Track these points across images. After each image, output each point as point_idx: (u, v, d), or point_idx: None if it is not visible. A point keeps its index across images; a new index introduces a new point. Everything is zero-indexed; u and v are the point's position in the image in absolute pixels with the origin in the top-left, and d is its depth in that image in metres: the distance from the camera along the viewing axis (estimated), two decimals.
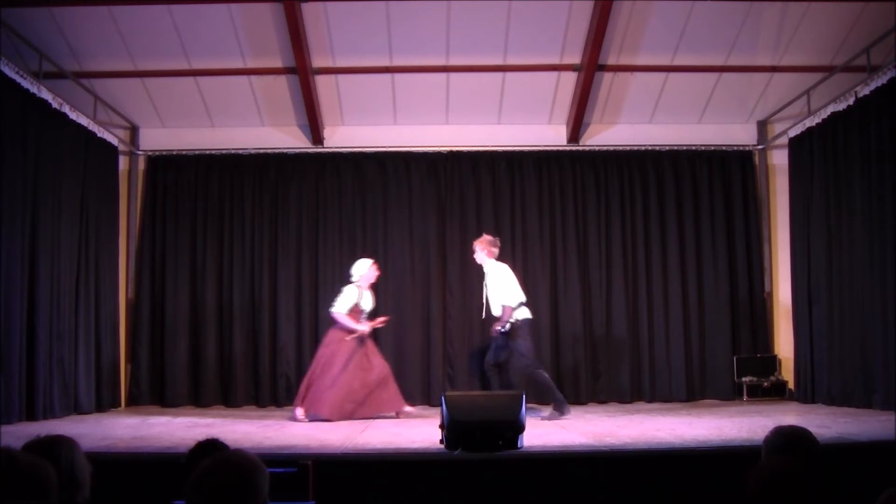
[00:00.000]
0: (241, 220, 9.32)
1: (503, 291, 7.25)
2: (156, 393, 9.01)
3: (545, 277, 9.25)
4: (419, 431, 5.89)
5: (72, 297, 7.81)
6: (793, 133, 8.92)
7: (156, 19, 7.98)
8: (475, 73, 8.82)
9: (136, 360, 9.05)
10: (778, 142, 9.42)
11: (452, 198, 9.42)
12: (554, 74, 8.87)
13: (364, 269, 7.61)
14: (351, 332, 7.39)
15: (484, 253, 7.45)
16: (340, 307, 7.45)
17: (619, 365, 9.11)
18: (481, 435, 4.55)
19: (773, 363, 9.07)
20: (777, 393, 8.89)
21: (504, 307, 7.22)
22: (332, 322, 7.57)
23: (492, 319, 7.41)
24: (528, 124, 9.47)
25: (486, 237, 7.61)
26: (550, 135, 9.54)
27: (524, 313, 7.29)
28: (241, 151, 9.37)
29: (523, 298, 7.34)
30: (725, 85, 9.04)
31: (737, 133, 9.59)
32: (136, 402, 8.92)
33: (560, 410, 7.06)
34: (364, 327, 7.48)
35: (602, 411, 7.56)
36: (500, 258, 7.58)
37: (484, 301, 7.55)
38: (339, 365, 7.27)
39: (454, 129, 9.49)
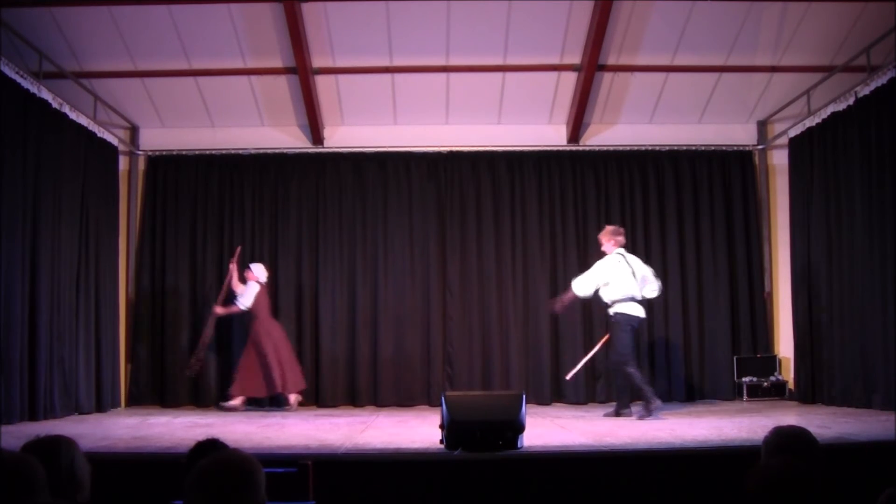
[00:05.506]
0: (241, 220, 9.32)
1: (582, 277, 7.32)
2: (156, 393, 9.02)
3: (545, 277, 9.24)
4: (419, 431, 5.89)
5: (72, 297, 7.81)
6: (793, 133, 8.92)
7: (156, 19, 7.99)
8: (475, 73, 8.82)
9: (136, 360, 9.06)
10: (778, 142, 9.42)
11: (452, 198, 9.41)
12: (554, 74, 8.87)
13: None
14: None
15: (610, 244, 7.36)
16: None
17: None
18: (481, 435, 4.55)
19: (773, 363, 9.07)
20: (777, 393, 8.89)
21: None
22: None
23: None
24: (528, 124, 9.47)
25: (608, 228, 7.54)
26: (550, 135, 9.54)
27: (628, 308, 7.18)
28: (241, 151, 9.37)
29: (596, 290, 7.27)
30: (725, 85, 9.04)
31: (737, 133, 9.59)
32: (136, 402, 8.93)
33: (648, 408, 6.86)
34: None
35: (602, 411, 7.55)
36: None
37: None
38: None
39: (454, 129, 9.49)
